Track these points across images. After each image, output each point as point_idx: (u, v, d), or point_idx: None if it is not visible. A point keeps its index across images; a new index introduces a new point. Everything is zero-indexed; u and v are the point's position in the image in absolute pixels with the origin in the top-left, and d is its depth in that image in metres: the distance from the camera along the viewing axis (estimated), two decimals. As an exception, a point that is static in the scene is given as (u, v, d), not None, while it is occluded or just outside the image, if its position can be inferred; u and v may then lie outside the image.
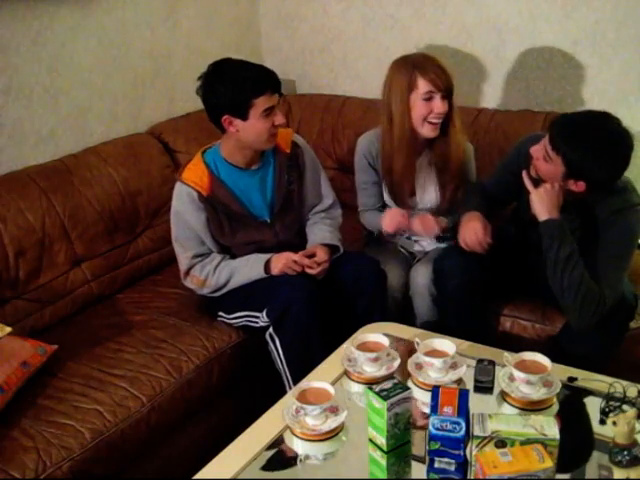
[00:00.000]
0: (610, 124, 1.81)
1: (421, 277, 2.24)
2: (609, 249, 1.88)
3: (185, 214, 2.10)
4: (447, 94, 2.18)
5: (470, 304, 2.12)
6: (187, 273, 2.15)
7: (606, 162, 1.79)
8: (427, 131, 2.22)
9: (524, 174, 1.95)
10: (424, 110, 2.18)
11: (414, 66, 2.17)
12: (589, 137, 1.79)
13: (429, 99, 2.17)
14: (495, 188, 2.24)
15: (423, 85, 2.16)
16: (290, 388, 2.02)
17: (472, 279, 2.08)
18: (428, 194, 2.36)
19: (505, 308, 2.23)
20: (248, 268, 2.10)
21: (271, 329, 2.02)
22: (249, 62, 2.03)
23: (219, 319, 2.17)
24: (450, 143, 2.28)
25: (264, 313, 2.03)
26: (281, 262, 2.07)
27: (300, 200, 2.22)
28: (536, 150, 1.90)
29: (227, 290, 2.12)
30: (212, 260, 2.12)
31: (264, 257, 2.11)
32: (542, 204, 1.88)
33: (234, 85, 1.95)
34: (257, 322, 2.07)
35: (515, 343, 2.12)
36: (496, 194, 2.24)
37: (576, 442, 1.45)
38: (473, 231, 2.05)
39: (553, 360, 1.63)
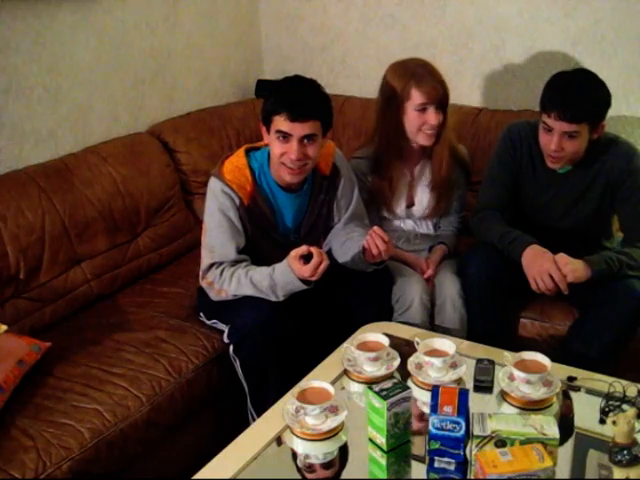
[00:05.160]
0: (575, 71, 2.05)
1: (449, 282, 2.18)
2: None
3: (228, 212, 1.96)
4: (442, 106, 2.16)
5: (495, 299, 2.09)
6: (205, 277, 2.04)
7: (604, 89, 1.97)
8: (422, 140, 2.21)
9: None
10: (417, 121, 2.17)
11: (411, 75, 2.15)
12: (584, 88, 1.95)
13: (422, 110, 2.16)
14: (500, 194, 2.21)
15: (417, 96, 2.14)
16: (252, 405, 2.00)
17: (497, 270, 2.06)
18: (423, 203, 2.34)
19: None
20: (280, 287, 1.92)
21: (231, 350, 1.97)
22: (306, 83, 1.95)
23: (200, 319, 2.14)
24: (434, 158, 2.28)
25: (226, 333, 2.00)
26: (310, 270, 1.82)
27: (326, 223, 2.16)
28: (556, 141, 1.96)
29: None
30: (233, 273, 1.97)
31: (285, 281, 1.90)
32: (579, 271, 1.92)
33: (269, 96, 1.95)
34: (223, 337, 2.03)
35: (514, 341, 2.12)
36: (502, 199, 2.21)
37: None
38: (547, 273, 1.93)
39: (553, 359, 1.63)
